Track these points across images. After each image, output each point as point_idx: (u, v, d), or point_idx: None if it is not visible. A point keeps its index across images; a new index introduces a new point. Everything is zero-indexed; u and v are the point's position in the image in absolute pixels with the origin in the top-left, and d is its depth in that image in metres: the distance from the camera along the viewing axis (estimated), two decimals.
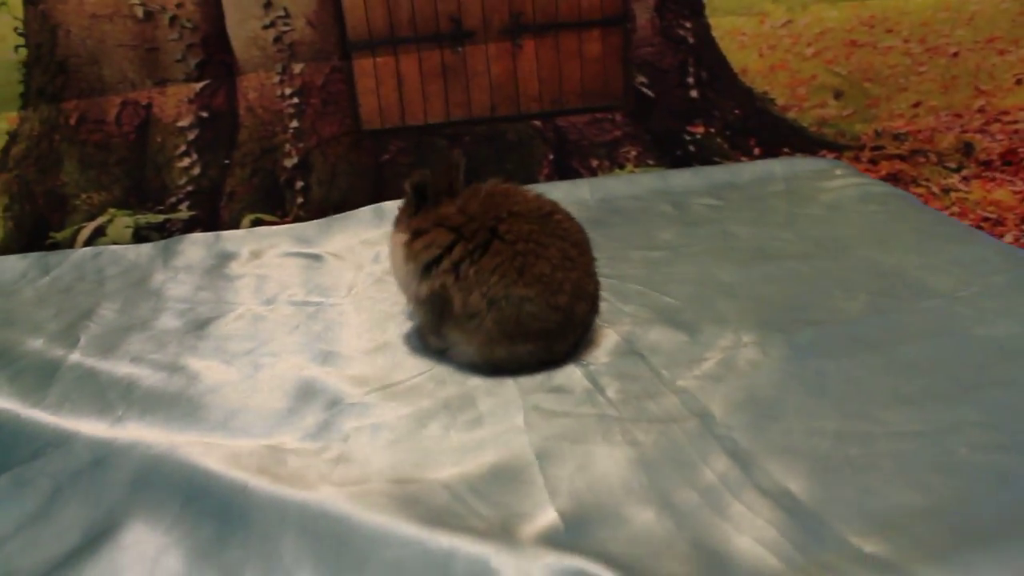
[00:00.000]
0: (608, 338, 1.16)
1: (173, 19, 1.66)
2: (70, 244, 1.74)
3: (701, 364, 1.08)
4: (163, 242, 1.71)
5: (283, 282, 1.48)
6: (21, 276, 1.64)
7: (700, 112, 1.75)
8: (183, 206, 1.75)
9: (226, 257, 1.62)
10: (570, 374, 1.08)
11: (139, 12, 1.65)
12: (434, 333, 1.13)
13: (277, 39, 1.68)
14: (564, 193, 1.71)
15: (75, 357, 1.24)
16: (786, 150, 1.77)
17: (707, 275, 1.34)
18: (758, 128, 1.76)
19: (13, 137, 1.69)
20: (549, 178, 1.77)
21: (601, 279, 1.16)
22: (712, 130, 1.76)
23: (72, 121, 1.69)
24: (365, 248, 1.58)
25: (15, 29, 1.63)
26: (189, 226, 1.75)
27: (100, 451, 0.99)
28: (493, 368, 1.09)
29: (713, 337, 1.14)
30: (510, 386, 1.06)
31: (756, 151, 1.77)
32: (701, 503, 0.83)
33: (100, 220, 1.74)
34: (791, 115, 1.75)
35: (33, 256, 1.68)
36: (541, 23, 1.68)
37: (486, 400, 1.04)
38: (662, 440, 0.92)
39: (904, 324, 1.13)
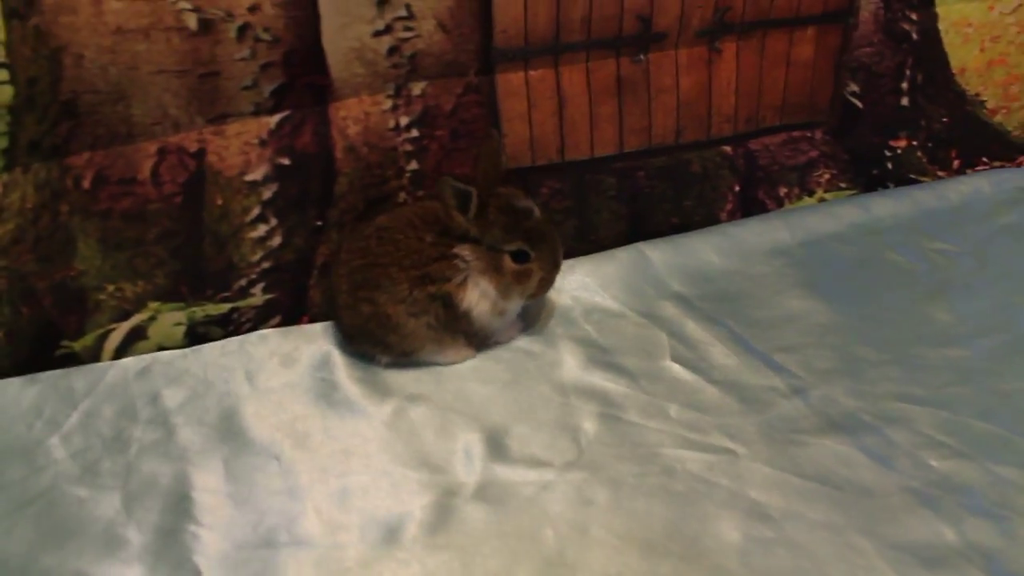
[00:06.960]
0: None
1: (244, 29, 1.09)
2: (94, 355, 1.19)
3: None
4: (238, 341, 1.21)
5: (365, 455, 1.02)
6: (33, 415, 1.09)
7: (907, 122, 1.42)
8: (257, 288, 1.23)
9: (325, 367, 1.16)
10: None
11: (191, 21, 1.07)
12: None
13: (393, 50, 1.16)
14: (757, 235, 1.37)
15: None
16: (984, 159, 1.49)
17: None
18: (962, 137, 1.45)
19: None
20: (733, 215, 1.40)
21: (903, 404, 1.01)
22: (914, 143, 1.44)
23: (86, 184, 1.11)
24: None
25: None
26: (264, 314, 1.25)
27: None
28: None
29: None
30: None
31: (956, 163, 1.48)
32: None
33: (137, 319, 1.20)
34: (997, 119, 1.46)
35: (46, 379, 1.13)
36: (749, 21, 1.26)
37: None
38: None
39: None
